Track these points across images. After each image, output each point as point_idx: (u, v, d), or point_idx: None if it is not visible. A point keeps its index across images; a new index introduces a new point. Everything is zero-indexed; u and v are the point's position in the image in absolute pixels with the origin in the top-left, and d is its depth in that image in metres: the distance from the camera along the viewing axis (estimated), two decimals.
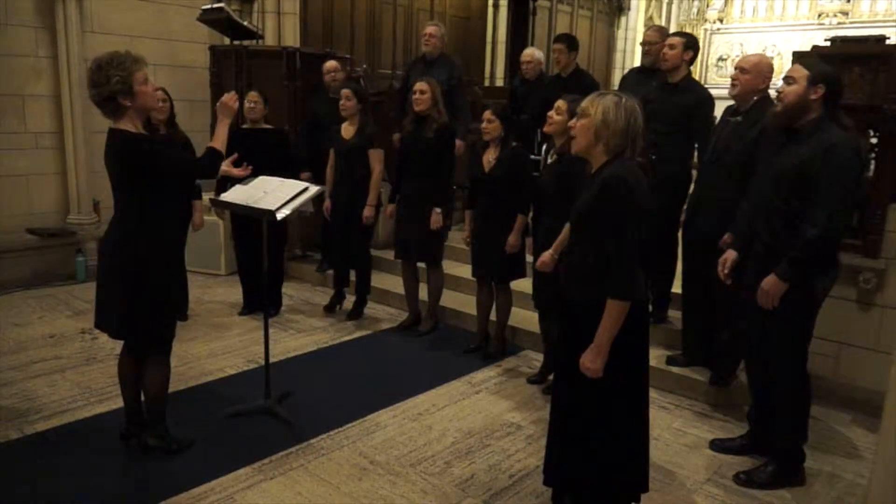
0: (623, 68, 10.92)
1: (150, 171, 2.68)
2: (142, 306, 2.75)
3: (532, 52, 5.74)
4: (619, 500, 2.45)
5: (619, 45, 11.58)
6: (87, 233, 5.68)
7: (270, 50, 5.93)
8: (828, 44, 4.08)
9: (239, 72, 5.71)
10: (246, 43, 5.83)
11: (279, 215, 3.23)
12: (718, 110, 3.68)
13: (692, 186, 3.82)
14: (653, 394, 3.21)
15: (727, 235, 3.18)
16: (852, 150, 2.65)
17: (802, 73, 2.70)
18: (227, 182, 3.68)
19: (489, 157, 3.99)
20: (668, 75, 3.96)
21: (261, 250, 3.52)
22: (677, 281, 4.02)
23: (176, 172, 2.83)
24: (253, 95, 4.71)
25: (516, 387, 3.89)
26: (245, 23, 5.86)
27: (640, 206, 2.22)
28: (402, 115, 4.80)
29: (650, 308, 3.44)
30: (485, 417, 3.51)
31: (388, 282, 5.32)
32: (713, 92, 4.01)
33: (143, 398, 3.00)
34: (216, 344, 4.37)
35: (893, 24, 9.91)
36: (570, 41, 5.21)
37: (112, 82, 2.59)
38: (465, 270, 4.67)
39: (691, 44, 3.92)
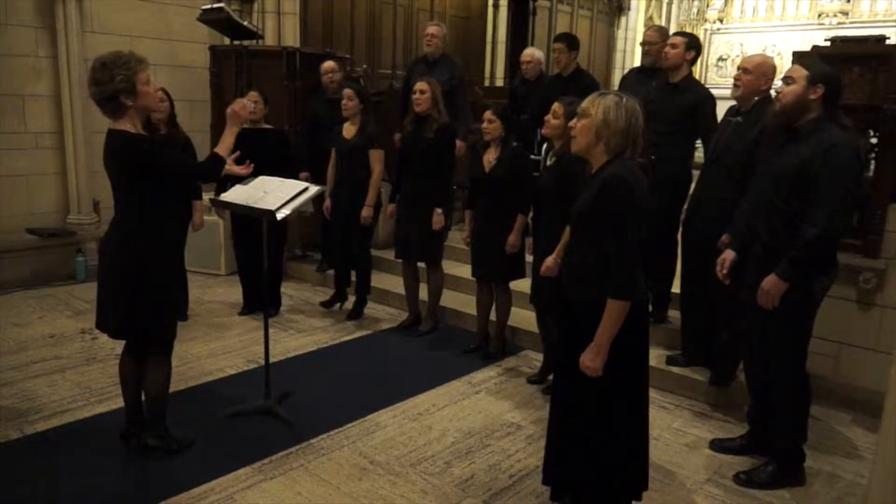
0: (623, 68, 10.93)
1: (149, 171, 2.69)
2: (142, 306, 2.75)
3: (532, 52, 5.74)
4: (618, 500, 2.45)
5: (619, 45, 11.58)
6: (87, 233, 5.68)
7: (270, 50, 5.93)
8: (828, 44, 4.08)
9: (239, 72, 5.71)
10: (246, 43, 5.83)
11: (279, 215, 3.23)
12: (720, 110, 3.67)
13: (693, 186, 3.82)
14: (653, 394, 3.21)
15: (725, 236, 3.17)
16: (852, 150, 2.65)
17: (801, 73, 2.70)
18: (228, 182, 3.68)
19: (490, 157, 3.99)
20: (668, 75, 3.96)
21: (261, 250, 3.52)
22: (677, 281, 4.02)
23: (176, 173, 2.85)
24: (253, 95, 4.70)
25: (516, 387, 3.89)
26: (245, 23, 5.86)
27: (641, 206, 2.22)
28: (405, 115, 4.80)
29: (650, 308, 3.43)
30: (485, 417, 3.51)
31: (388, 282, 5.32)
32: (713, 92, 4.00)
33: (143, 398, 3.00)
34: (216, 344, 4.37)
35: (893, 24, 9.92)
36: (570, 41, 5.20)
37: (116, 81, 2.60)
38: (465, 270, 4.67)
39: (694, 44, 3.92)
